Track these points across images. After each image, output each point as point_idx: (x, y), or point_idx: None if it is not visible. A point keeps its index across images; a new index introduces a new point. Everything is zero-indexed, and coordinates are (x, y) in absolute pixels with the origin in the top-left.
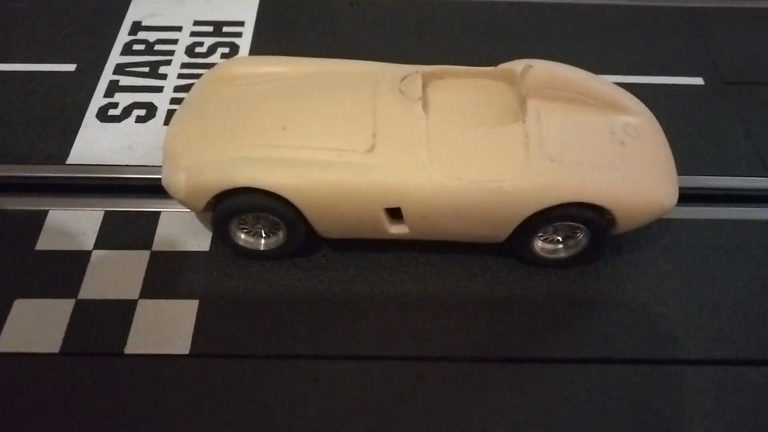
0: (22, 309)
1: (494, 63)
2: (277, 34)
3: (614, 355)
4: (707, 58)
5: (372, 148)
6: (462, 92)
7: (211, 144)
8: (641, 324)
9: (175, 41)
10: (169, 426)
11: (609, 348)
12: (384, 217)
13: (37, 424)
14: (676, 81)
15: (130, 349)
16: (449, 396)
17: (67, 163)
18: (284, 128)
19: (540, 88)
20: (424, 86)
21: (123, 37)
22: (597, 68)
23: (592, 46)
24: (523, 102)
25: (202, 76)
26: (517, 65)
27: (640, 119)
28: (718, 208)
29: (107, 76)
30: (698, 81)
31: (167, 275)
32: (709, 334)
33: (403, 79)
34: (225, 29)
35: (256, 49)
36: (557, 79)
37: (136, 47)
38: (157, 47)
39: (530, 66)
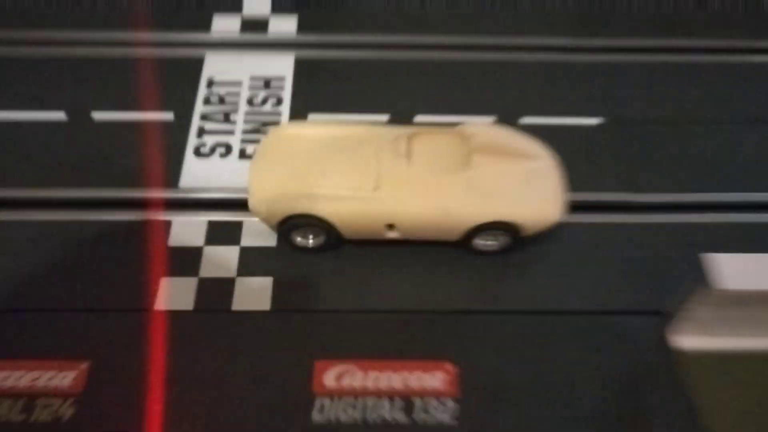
0: None
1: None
2: (310, 86)
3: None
4: (604, 102)
5: (377, 187)
6: (434, 146)
7: (278, 183)
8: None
9: (238, 94)
10: None
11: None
12: (384, 228)
13: None
14: (578, 121)
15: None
16: None
17: (179, 186)
18: (323, 174)
19: (481, 146)
20: (410, 142)
21: (203, 90)
22: (522, 111)
23: (517, 94)
24: (470, 155)
25: (266, 136)
26: (468, 129)
27: (542, 162)
28: (595, 215)
29: (196, 122)
30: (596, 121)
31: (252, 261)
32: (582, 297)
33: (395, 139)
34: (272, 84)
35: (295, 99)
36: (492, 140)
37: (212, 99)
38: (227, 99)
39: (474, 132)
